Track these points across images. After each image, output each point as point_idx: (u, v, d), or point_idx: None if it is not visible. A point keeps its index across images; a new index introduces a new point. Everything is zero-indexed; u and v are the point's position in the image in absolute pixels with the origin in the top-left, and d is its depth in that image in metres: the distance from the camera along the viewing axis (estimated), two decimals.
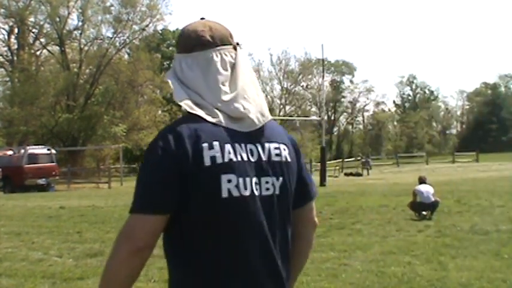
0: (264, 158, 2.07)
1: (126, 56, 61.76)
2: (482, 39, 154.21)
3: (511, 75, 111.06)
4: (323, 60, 38.17)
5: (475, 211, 15.05)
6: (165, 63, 74.64)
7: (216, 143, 1.99)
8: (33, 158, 34.19)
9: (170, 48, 77.20)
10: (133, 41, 58.71)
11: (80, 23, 56.81)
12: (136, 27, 57.46)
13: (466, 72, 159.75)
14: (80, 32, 57.39)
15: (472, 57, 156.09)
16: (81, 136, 54.51)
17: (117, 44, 57.77)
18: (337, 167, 44.26)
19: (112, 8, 56.70)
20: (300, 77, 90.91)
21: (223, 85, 2.09)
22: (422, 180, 15.08)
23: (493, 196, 18.88)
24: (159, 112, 61.08)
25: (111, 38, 57.28)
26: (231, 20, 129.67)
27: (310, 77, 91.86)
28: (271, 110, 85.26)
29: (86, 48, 57.02)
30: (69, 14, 55.50)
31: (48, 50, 58.52)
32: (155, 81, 56.87)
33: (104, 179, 40.31)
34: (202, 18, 2.25)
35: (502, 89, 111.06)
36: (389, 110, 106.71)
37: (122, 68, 55.07)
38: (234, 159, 2.01)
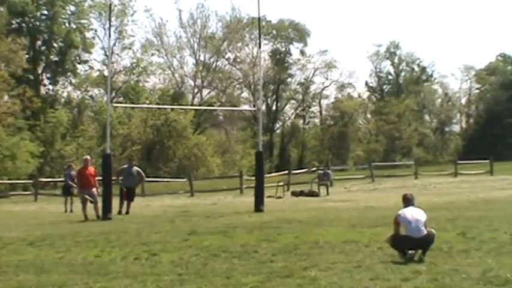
0: None
1: None
2: None
3: None
4: (259, 19, 38.23)
5: (489, 249, 15.32)
6: (13, 21, 73.60)
7: None
8: None
9: None
10: None
11: None
12: None
13: (474, 40, 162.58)
14: None
15: (483, 18, 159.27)
16: None
17: None
18: (282, 183, 44.41)
19: None
20: (225, 45, 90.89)
21: None
22: (409, 201, 15.07)
23: None
24: (6, 98, 60.29)
25: None
26: None
27: (240, 45, 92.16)
28: (181, 95, 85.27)
29: None
30: None
31: None
32: None
33: None
34: None
35: None
36: (359, 96, 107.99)
37: None
38: None
